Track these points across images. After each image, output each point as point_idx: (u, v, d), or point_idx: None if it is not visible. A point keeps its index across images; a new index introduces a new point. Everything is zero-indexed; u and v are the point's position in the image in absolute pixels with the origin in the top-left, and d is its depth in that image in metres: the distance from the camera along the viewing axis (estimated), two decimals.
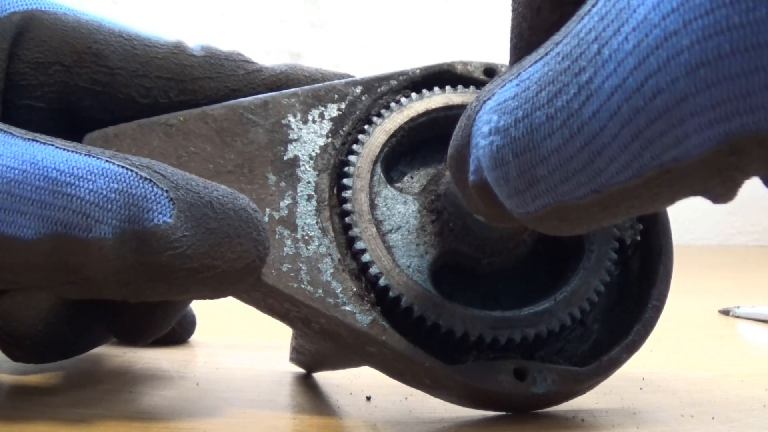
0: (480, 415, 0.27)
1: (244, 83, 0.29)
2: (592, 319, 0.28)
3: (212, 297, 0.25)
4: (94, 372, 0.32)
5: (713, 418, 0.28)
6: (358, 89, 0.29)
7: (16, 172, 0.22)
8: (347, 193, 0.27)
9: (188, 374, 0.33)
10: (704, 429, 0.27)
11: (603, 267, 0.27)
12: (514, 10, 0.22)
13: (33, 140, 0.23)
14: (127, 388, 0.29)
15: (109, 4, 1.19)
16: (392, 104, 0.29)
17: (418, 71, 0.29)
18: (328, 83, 0.29)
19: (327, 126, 0.28)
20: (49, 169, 0.22)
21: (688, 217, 1.31)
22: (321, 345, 0.29)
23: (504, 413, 0.27)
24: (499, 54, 0.38)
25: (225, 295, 0.25)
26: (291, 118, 0.28)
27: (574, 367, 0.27)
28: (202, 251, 0.23)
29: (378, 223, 0.27)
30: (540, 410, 0.28)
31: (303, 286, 0.26)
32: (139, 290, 0.23)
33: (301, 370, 0.34)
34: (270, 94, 0.28)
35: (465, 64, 0.30)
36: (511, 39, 0.22)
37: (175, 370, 0.34)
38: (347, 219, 0.27)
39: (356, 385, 0.31)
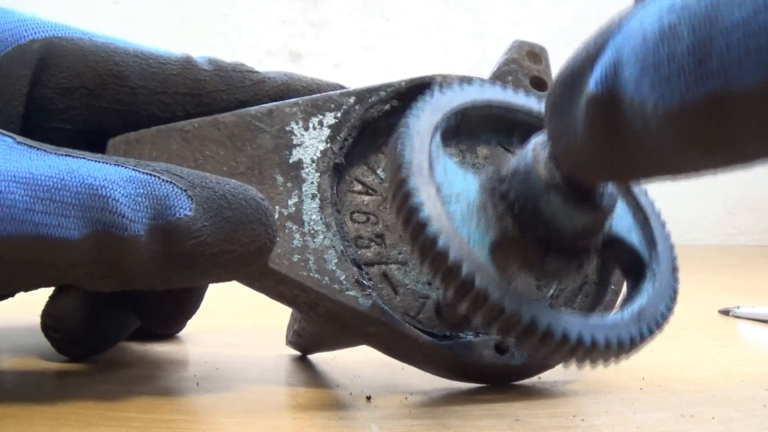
0: (480, 416, 0.27)
1: (251, 94, 0.32)
2: (560, 303, 0.31)
3: (229, 279, 0.28)
4: (94, 372, 0.32)
5: (713, 418, 0.28)
6: (352, 99, 0.32)
7: (55, 180, 0.24)
8: (405, 152, 0.25)
9: (188, 374, 0.33)
10: (704, 429, 0.27)
11: (668, 294, 0.26)
12: None
13: (66, 155, 0.25)
14: (127, 388, 0.29)
15: (109, 4, 1.19)
16: (453, 83, 0.29)
17: (403, 83, 0.33)
18: (325, 94, 0.32)
19: (326, 132, 0.31)
20: (85, 177, 0.25)
21: (688, 218, 1.31)
22: (324, 327, 0.32)
23: (504, 413, 0.27)
24: (495, 53, 0.38)
25: (240, 276, 0.28)
26: (294, 125, 0.31)
27: None
28: (221, 238, 0.26)
29: (437, 187, 0.25)
30: (518, 381, 0.31)
31: (311, 274, 0.29)
32: (167, 278, 0.26)
33: (298, 358, 0.34)
34: (274, 103, 0.31)
35: (444, 76, 0.33)
36: None
37: (175, 370, 0.34)
38: (402, 172, 0.24)
39: (356, 385, 0.31)
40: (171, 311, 0.36)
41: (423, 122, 0.26)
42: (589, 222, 0.23)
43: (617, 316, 0.25)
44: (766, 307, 0.53)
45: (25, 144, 0.25)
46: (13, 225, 0.24)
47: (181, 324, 0.38)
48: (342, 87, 0.34)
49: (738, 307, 0.54)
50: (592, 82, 0.19)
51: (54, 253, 0.24)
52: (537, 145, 0.23)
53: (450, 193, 0.25)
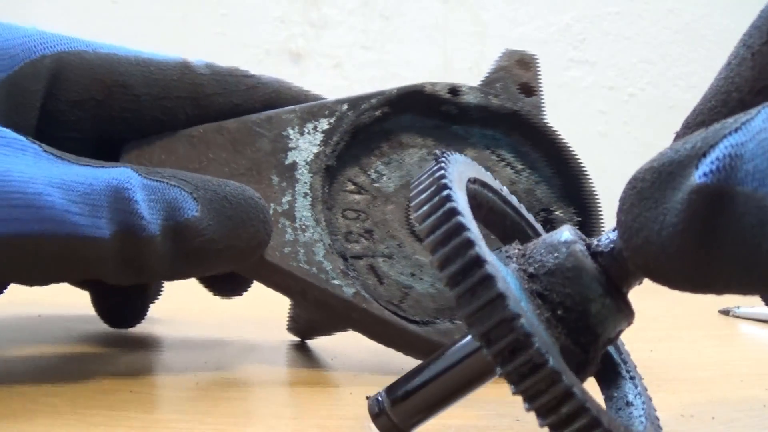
0: (480, 416, 0.27)
1: (245, 98, 0.35)
2: None
3: (232, 269, 0.31)
4: (94, 373, 0.32)
5: (713, 418, 0.28)
6: (345, 106, 0.35)
7: (85, 186, 0.27)
8: (478, 251, 0.18)
9: (188, 374, 0.33)
10: (704, 429, 0.27)
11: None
12: (727, 77, 0.20)
13: (87, 165, 0.28)
14: (127, 389, 0.29)
15: (109, 4, 1.19)
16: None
17: (394, 91, 0.35)
18: (320, 102, 0.35)
19: (319, 137, 0.34)
20: (110, 180, 0.27)
21: None
22: (314, 314, 0.36)
23: (501, 414, 0.27)
24: (495, 53, 0.38)
25: (241, 267, 0.31)
26: (290, 130, 0.34)
27: None
28: (224, 234, 0.29)
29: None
30: None
31: (301, 264, 0.32)
32: (178, 271, 0.29)
33: (298, 357, 0.34)
34: (273, 110, 0.34)
35: (432, 84, 0.35)
36: (709, 99, 0.21)
37: (175, 370, 0.34)
38: (488, 268, 0.18)
39: (356, 384, 0.31)
40: (238, 281, 0.38)
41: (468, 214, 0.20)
42: (625, 326, 0.21)
43: (643, 425, 0.22)
44: (766, 307, 0.53)
45: (51, 153, 0.27)
46: (54, 225, 0.26)
47: (245, 290, 0.39)
48: (323, 97, 0.36)
49: (738, 307, 0.54)
50: (699, 174, 0.18)
51: (88, 251, 0.27)
52: (574, 243, 0.21)
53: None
